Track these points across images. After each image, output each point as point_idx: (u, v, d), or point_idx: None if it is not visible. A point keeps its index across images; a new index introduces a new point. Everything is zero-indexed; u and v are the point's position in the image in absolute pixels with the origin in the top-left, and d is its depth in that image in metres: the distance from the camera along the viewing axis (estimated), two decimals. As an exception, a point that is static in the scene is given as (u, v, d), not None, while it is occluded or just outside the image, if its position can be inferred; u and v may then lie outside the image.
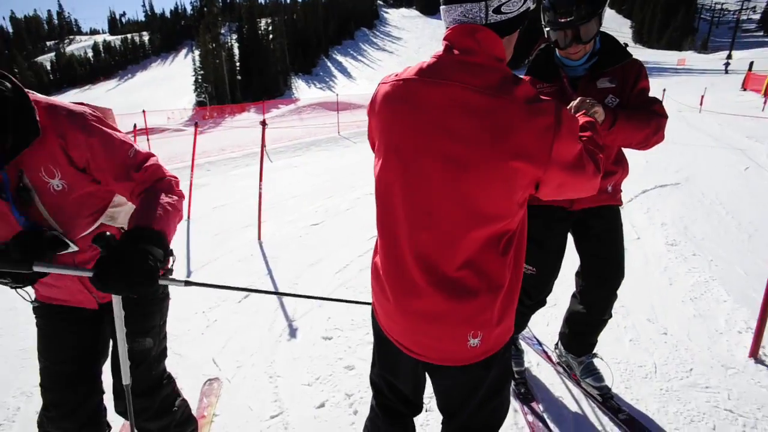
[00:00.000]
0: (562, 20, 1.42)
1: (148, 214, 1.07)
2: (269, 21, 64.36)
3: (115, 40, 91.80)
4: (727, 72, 35.22)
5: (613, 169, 1.61)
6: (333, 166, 8.13)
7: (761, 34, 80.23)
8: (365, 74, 75.85)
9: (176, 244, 4.25)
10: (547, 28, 1.51)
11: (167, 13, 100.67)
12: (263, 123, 4.20)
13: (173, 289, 3.48)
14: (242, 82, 55.97)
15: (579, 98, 1.32)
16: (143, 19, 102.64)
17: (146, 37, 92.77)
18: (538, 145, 0.84)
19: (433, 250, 0.94)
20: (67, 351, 1.36)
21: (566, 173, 0.90)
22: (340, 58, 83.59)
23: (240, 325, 2.76)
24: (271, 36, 62.98)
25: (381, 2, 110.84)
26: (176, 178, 1.23)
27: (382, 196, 1.03)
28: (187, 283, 1.08)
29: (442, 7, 0.94)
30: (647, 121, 1.45)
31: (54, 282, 1.28)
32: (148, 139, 8.92)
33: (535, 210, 1.75)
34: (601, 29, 1.53)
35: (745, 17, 78.30)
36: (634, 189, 5.31)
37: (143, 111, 9.15)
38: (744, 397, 1.88)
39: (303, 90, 65.99)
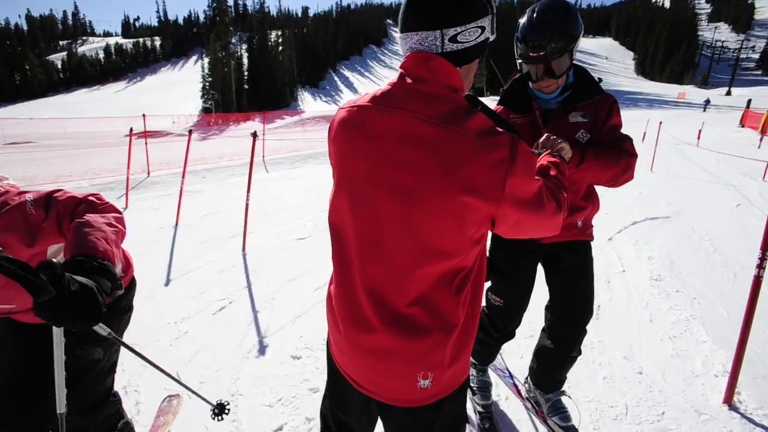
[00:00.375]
0: (534, 54, 1.42)
1: (85, 241, 0.97)
2: (279, 33, 65.56)
3: (127, 43, 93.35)
4: (705, 110, 34.89)
5: (582, 205, 1.59)
6: (328, 179, 8.12)
7: (760, 72, 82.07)
8: (371, 90, 76.77)
9: (160, 250, 4.24)
10: (520, 61, 1.51)
11: (180, 20, 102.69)
12: (254, 135, 4.21)
13: (148, 296, 3.41)
14: (249, 92, 56.67)
15: (545, 135, 1.31)
16: (156, 24, 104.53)
17: (158, 42, 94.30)
18: (489, 179, 0.80)
19: (384, 284, 0.91)
20: (9, 357, 1.31)
21: (523, 211, 0.87)
22: (347, 73, 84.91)
23: (210, 339, 2.70)
24: (280, 48, 64.03)
25: (390, 21, 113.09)
26: (95, 194, 1.15)
27: (335, 225, 1.00)
28: (110, 334, 1.02)
29: (399, 36, 0.93)
30: (617, 160, 1.44)
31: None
32: (146, 143, 8.94)
33: (504, 241, 1.73)
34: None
35: (744, 56, 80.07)
36: (624, 220, 5.30)
37: (143, 115, 9.17)
38: (714, 445, 1.82)
39: (309, 102, 66.81)
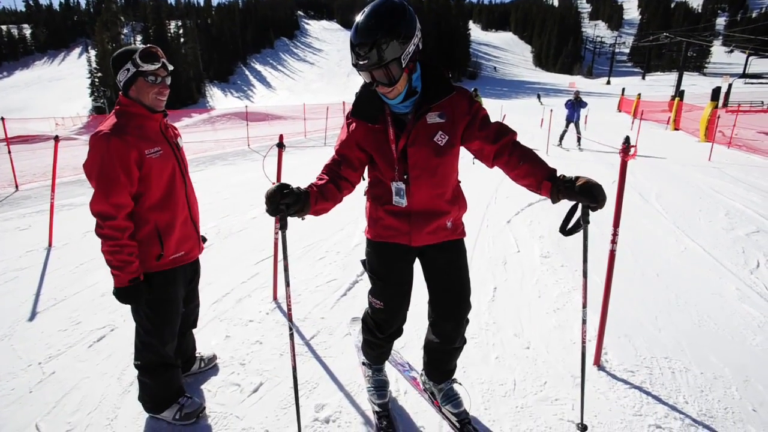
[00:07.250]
0: (360, 62, 1.35)
1: None
2: (179, 24, 60.23)
3: (-15, 31, 78.76)
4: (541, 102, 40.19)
5: (446, 209, 1.62)
6: (235, 181, 7.67)
7: (630, 64, 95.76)
8: (286, 84, 74.24)
9: (27, 278, 3.63)
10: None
11: (55, 6, 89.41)
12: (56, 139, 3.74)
13: (5, 335, 2.87)
14: (148, 87, 51.30)
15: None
16: (23, 9, 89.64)
17: (28, 31, 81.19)
18: None
19: None
20: None
21: None
22: (259, 66, 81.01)
23: (84, 376, 2.36)
24: (182, 39, 58.95)
25: (301, 13, 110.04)
26: None
27: None
28: None
29: None
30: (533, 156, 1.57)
31: None
32: (9, 151, 7.59)
33: (378, 246, 1.72)
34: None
35: (618, 50, 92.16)
36: (521, 203, 5.73)
37: (1, 118, 7.72)
38: (585, 406, 2.02)
39: (219, 98, 62.66)
